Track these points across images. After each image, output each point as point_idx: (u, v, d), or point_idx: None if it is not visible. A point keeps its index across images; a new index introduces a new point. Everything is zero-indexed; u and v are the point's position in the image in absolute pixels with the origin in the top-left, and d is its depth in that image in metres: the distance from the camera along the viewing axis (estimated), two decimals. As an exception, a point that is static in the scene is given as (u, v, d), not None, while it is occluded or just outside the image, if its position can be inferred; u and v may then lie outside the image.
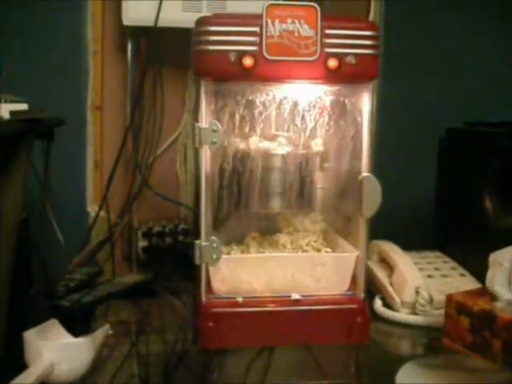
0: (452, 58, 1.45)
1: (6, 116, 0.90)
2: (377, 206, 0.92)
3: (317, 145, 1.01)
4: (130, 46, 1.28)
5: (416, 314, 1.03)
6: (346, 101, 0.98)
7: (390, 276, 1.10)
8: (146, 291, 1.16)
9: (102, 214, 1.28)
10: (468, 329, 0.90)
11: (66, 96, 1.27)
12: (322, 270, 0.97)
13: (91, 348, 0.83)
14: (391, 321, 1.04)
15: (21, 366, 0.79)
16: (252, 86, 0.96)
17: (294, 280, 0.96)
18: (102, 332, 0.86)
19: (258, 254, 1.00)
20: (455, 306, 0.92)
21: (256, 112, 0.97)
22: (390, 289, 1.08)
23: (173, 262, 1.26)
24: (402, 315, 1.04)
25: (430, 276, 1.13)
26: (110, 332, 0.90)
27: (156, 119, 1.31)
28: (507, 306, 0.88)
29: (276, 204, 1.01)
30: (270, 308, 0.94)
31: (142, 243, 1.28)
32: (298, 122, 0.99)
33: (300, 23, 0.89)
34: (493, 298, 0.90)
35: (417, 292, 1.03)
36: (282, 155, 0.99)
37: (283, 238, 1.02)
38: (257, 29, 0.88)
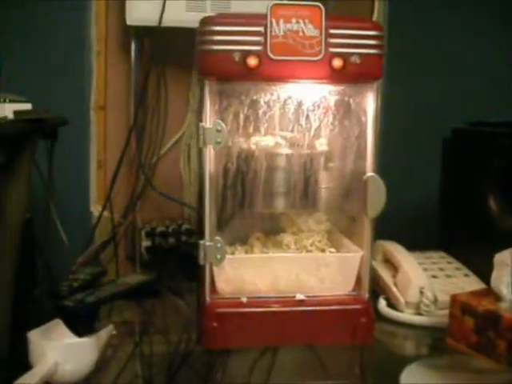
0: (456, 58, 1.45)
1: (10, 116, 0.90)
2: (381, 206, 0.92)
3: (321, 144, 1.00)
4: (133, 46, 1.28)
5: (420, 314, 1.03)
6: (351, 100, 0.98)
7: (394, 276, 1.10)
8: (149, 291, 1.16)
9: (106, 213, 1.28)
10: (472, 329, 0.90)
11: (69, 96, 1.27)
12: (327, 270, 0.97)
13: (95, 348, 0.82)
14: (395, 321, 1.03)
15: (25, 366, 0.79)
16: (256, 86, 0.96)
17: (299, 280, 0.96)
18: (105, 332, 0.86)
19: (262, 254, 1.00)
20: (460, 306, 0.92)
21: (260, 112, 0.97)
22: (394, 289, 1.07)
23: (176, 262, 1.26)
24: (407, 315, 1.03)
25: (434, 276, 1.12)
26: (114, 332, 0.90)
27: (160, 119, 1.31)
28: (512, 306, 0.88)
29: (280, 204, 1.01)
30: (275, 308, 0.94)
31: (146, 243, 1.28)
32: (303, 121, 0.99)
33: (304, 23, 0.88)
34: (497, 298, 0.90)
35: (421, 292, 1.03)
36: (287, 155, 0.99)
37: (287, 238, 1.01)
38: (261, 28, 0.88)
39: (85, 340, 0.83)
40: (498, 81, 1.43)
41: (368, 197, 0.92)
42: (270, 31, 0.88)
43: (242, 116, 0.97)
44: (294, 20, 0.88)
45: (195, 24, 0.91)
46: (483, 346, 0.88)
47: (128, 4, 1.21)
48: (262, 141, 0.98)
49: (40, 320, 0.86)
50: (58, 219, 1.14)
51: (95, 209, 1.32)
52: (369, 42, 0.90)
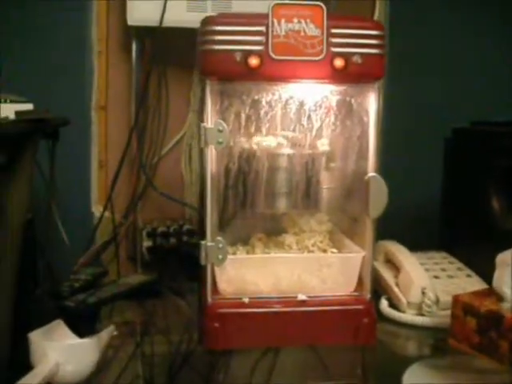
0: (457, 58, 1.44)
1: (12, 116, 0.90)
2: (383, 207, 0.92)
3: (323, 145, 1.00)
4: (134, 46, 1.28)
5: (422, 314, 1.03)
6: (352, 100, 0.98)
7: (396, 277, 1.10)
8: (150, 292, 1.16)
9: (107, 214, 1.28)
10: (475, 330, 0.89)
11: (70, 96, 1.27)
12: (328, 270, 0.96)
13: (96, 349, 0.82)
14: (397, 322, 1.03)
15: (26, 366, 0.79)
16: (258, 86, 0.95)
17: (300, 281, 0.96)
18: (106, 333, 0.86)
19: (263, 254, 1.00)
20: (462, 306, 0.92)
21: (262, 112, 0.97)
22: (396, 289, 1.07)
23: (177, 263, 1.26)
24: (409, 316, 1.03)
25: (436, 277, 1.12)
26: (115, 333, 0.90)
27: (161, 119, 1.31)
28: (515, 306, 0.87)
29: (282, 204, 1.00)
30: (276, 309, 0.94)
31: (147, 243, 1.28)
32: (304, 121, 0.99)
33: (306, 23, 0.88)
34: (500, 298, 0.90)
35: (423, 293, 1.03)
36: (288, 155, 0.99)
37: (289, 239, 1.01)
38: (263, 28, 0.88)
39: (86, 341, 0.83)
40: (498, 81, 1.43)
41: (370, 197, 0.92)
42: (272, 31, 0.88)
43: (243, 116, 0.97)
44: (295, 20, 0.88)
45: (196, 24, 0.91)
46: (485, 347, 0.88)
47: (129, 4, 1.21)
48: (263, 141, 0.98)
49: (41, 320, 0.86)
50: (59, 219, 1.14)
51: (96, 209, 1.32)
52: (370, 42, 0.90)
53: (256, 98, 0.96)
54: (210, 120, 0.91)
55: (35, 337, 0.81)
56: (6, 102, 0.92)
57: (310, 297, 0.95)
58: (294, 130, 0.99)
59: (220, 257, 0.91)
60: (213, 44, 0.88)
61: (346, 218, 1.03)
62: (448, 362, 0.89)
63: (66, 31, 1.27)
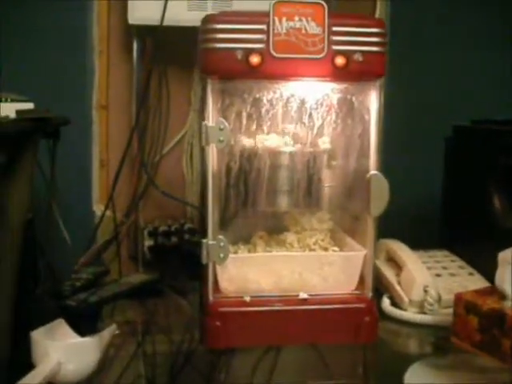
0: (457, 58, 1.44)
1: (12, 115, 0.90)
2: (384, 205, 0.92)
3: (324, 143, 1.00)
4: (135, 46, 1.28)
5: (424, 313, 1.02)
6: (354, 99, 0.97)
7: (397, 275, 1.09)
8: (152, 291, 1.16)
9: (108, 213, 1.28)
10: (477, 328, 0.89)
11: (71, 95, 1.27)
12: (330, 269, 0.96)
13: (98, 348, 0.82)
14: (399, 320, 1.03)
15: (27, 365, 0.79)
16: (259, 84, 0.95)
17: (302, 279, 0.96)
18: (108, 332, 0.86)
19: (265, 253, 1.00)
20: (464, 305, 0.91)
21: (263, 110, 0.97)
22: (397, 288, 1.07)
23: (179, 261, 1.26)
24: (410, 314, 1.03)
25: (438, 275, 1.12)
26: (117, 332, 0.90)
27: (162, 118, 1.31)
28: (517, 304, 0.87)
29: (283, 202, 1.00)
30: (278, 307, 0.94)
31: (148, 242, 1.28)
32: (306, 119, 0.98)
33: (307, 21, 0.88)
34: (502, 296, 0.89)
35: (425, 291, 1.03)
36: (290, 153, 0.99)
37: (290, 237, 1.01)
38: (264, 26, 0.88)
39: (87, 340, 0.83)
40: (498, 80, 1.43)
41: (371, 195, 0.92)
42: (273, 29, 0.88)
43: (244, 114, 0.97)
44: (296, 18, 0.88)
45: (197, 23, 0.91)
46: (487, 345, 0.88)
47: (130, 3, 1.21)
48: (264, 139, 0.98)
49: (42, 320, 0.86)
50: (60, 219, 1.14)
51: (97, 208, 1.32)
52: (372, 40, 0.90)
53: (257, 96, 0.96)
54: (211, 118, 0.90)
55: (37, 336, 0.81)
56: (6, 101, 0.92)
57: (311, 295, 0.95)
58: (295, 129, 0.99)
59: (221, 255, 0.91)
60: (214, 42, 0.88)
61: (348, 217, 1.03)
62: (450, 361, 0.89)
63: (67, 30, 1.27)
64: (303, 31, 0.88)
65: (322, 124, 0.99)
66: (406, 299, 1.05)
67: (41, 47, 1.26)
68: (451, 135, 1.27)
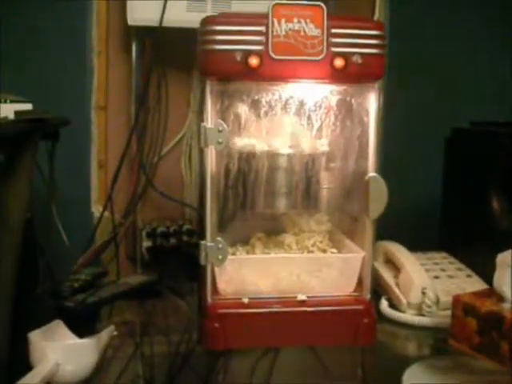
0: (457, 58, 1.44)
1: (11, 116, 0.90)
2: (383, 207, 0.92)
3: (322, 145, 1.00)
4: (134, 46, 1.28)
5: (422, 315, 1.02)
6: (352, 100, 0.97)
7: (396, 277, 1.09)
8: (150, 292, 1.15)
9: (107, 214, 1.27)
10: (475, 330, 0.89)
11: (70, 96, 1.27)
12: (328, 270, 0.96)
13: (96, 349, 0.82)
14: (397, 322, 1.03)
15: (25, 366, 0.78)
16: (258, 86, 0.95)
17: (300, 281, 0.96)
18: (106, 333, 0.86)
19: (263, 254, 1.00)
20: (462, 307, 0.91)
21: (262, 112, 0.97)
22: (396, 290, 1.07)
23: (177, 263, 1.26)
24: (409, 316, 1.03)
25: (436, 277, 1.12)
26: (115, 333, 0.90)
27: (161, 119, 1.31)
28: (515, 307, 0.87)
29: (281, 204, 1.00)
30: (276, 309, 0.93)
31: (147, 243, 1.28)
32: (304, 121, 0.98)
33: (306, 22, 0.88)
34: (500, 299, 0.89)
35: (423, 293, 1.03)
36: (288, 155, 0.99)
37: (289, 239, 1.01)
38: (263, 28, 0.88)
39: (85, 341, 0.83)
40: (498, 81, 1.43)
41: (370, 197, 0.92)
42: (272, 31, 0.88)
43: (243, 116, 0.97)
44: (295, 19, 0.88)
45: (196, 24, 0.91)
46: (486, 347, 0.88)
47: (129, 4, 1.21)
48: (263, 141, 0.98)
49: (41, 320, 0.86)
50: (58, 219, 1.14)
51: (96, 209, 1.32)
52: (370, 42, 0.90)
53: (256, 97, 0.96)
54: (210, 120, 0.90)
55: (35, 337, 0.81)
56: (5, 101, 0.92)
57: (309, 297, 0.95)
58: (293, 130, 0.99)
59: (220, 257, 0.91)
60: (213, 44, 0.88)
61: (346, 219, 1.03)
62: (448, 363, 0.89)
63: (66, 31, 1.27)
64: (302, 33, 0.88)
65: (321, 126, 0.99)
66: (404, 301, 1.05)
67: (39, 47, 1.25)
68: (450, 137, 1.27)
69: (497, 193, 1.13)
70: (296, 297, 0.95)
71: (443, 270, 1.16)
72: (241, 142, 0.98)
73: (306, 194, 1.01)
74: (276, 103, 0.96)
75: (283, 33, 0.88)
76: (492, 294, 0.91)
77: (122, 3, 1.24)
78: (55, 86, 1.25)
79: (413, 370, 0.85)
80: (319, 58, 0.89)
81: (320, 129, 0.99)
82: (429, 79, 1.43)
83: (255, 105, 0.96)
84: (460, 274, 1.15)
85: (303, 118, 0.98)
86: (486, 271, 1.00)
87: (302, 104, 0.97)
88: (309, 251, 1.00)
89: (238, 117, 0.97)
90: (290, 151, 0.99)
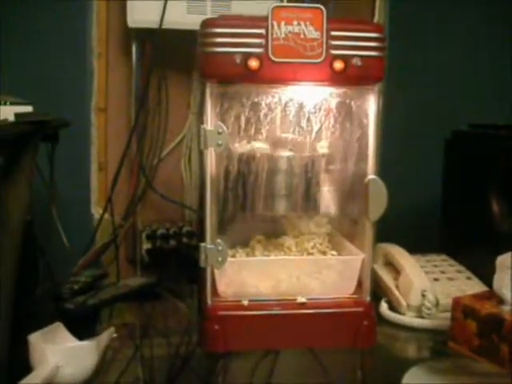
0: (457, 59, 1.44)
1: (11, 118, 0.89)
2: (383, 209, 0.92)
3: (322, 147, 1.00)
4: (134, 48, 1.28)
5: (422, 317, 1.03)
6: (352, 103, 0.97)
7: (395, 279, 1.09)
8: (150, 294, 1.16)
9: (107, 216, 1.27)
10: (475, 332, 0.89)
11: (70, 98, 1.27)
12: (328, 273, 0.96)
13: (96, 351, 0.82)
14: (397, 324, 1.03)
15: (25, 367, 0.78)
16: (258, 88, 0.95)
17: (300, 283, 0.96)
18: (106, 335, 0.86)
19: (263, 256, 1.00)
20: (462, 309, 0.91)
21: (261, 114, 0.97)
22: (395, 292, 1.07)
23: (177, 265, 1.26)
24: (408, 318, 1.03)
25: (436, 279, 1.12)
26: (115, 335, 0.90)
27: (160, 121, 1.31)
28: (515, 309, 0.87)
29: (281, 206, 1.00)
30: (276, 311, 0.94)
31: (147, 245, 1.28)
32: (304, 124, 0.98)
33: (306, 25, 0.88)
34: (500, 301, 0.89)
35: (423, 295, 1.03)
36: (288, 157, 0.98)
37: (288, 241, 1.01)
38: (262, 31, 0.88)
39: (85, 343, 0.83)
40: (498, 81, 1.43)
41: (369, 200, 0.92)
42: (272, 33, 0.88)
43: (243, 118, 0.97)
44: (295, 22, 0.88)
45: (196, 26, 0.91)
46: (486, 350, 0.87)
47: (129, 6, 1.21)
48: (263, 143, 0.98)
49: (41, 321, 0.86)
50: (58, 221, 1.14)
51: (96, 211, 1.32)
52: (370, 44, 0.90)
53: (256, 100, 0.96)
54: (210, 122, 0.90)
55: (35, 339, 0.81)
56: (5, 104, 0.92)
57: (309, 299, 0.95)
58: (293, 133, 0.99)
59: (220, 259, 0.91)
60: (213, 46, 0.88)
61: (346, 221, 1.03)
62: (448, 365, 0.89)
63: (66, 33, 1.27)
64: (302, 36, 0.88)
65: (321, 128, 0.99)
66: (403, 303, 1.05)
67: (39, 49, 1.25)
68: (450, 139, 1.27)
69: (497, 195, 1.13)
70: (296, 299, 0.95)
71: (443, 272, 1.16)
72: (242, 144, 0.98)
73: (306, 197, 1.00)
74: (276, 105, 0.96)
75: (283, 35, 0.88)
76: (492, 296, 0.91)
77: (121, 5, 1.24)
78: (55, 87, 1.25)
79: (412, 372, 0.85)
80: (319, 60, 0.89)
81: (320, 131, 0.99)
82: (429, 79, 1.43)
83: (255, 107, 0.96)
84: (460, 276, 1.15)
85: (303, 121, 0.98)
86: (485, 273, 1.00)
87: (301, 106, 0.98)
88: (308, 253, 1.00)
89: (237, 119, 0.97)
90: (289, 153, 0.99)
